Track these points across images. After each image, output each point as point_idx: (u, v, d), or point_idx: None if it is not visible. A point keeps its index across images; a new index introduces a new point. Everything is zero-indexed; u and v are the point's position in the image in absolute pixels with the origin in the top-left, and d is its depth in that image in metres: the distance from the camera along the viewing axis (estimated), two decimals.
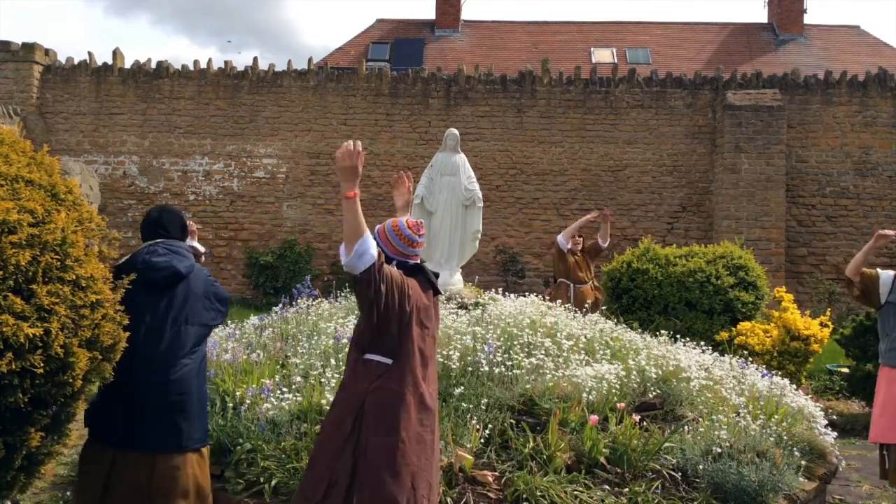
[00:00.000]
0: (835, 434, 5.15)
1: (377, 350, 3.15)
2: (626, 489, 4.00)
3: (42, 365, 2.65)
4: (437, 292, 3.39)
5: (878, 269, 5.32)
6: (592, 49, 21.40)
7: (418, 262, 3.36)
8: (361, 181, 15.35)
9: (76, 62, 16.20)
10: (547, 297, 7.25)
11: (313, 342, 5.27)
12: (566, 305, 7.15)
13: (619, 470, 4.16)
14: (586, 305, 8.11)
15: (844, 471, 5.57)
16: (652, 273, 9.19)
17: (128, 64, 16.32)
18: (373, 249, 2.99)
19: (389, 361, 3.13)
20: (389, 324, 3.09)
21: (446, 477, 3.91)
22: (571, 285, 8.34)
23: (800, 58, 20.27)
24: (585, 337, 5.62)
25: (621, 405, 4.60)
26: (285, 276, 14.88)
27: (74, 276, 2.82)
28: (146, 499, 3.30)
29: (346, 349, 5.12)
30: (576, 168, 15.47)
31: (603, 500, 3.88)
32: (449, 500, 3.76)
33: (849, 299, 13.85)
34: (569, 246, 8.47)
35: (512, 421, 4.43)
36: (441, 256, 6.93)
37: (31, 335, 2.59)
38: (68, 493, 4.39)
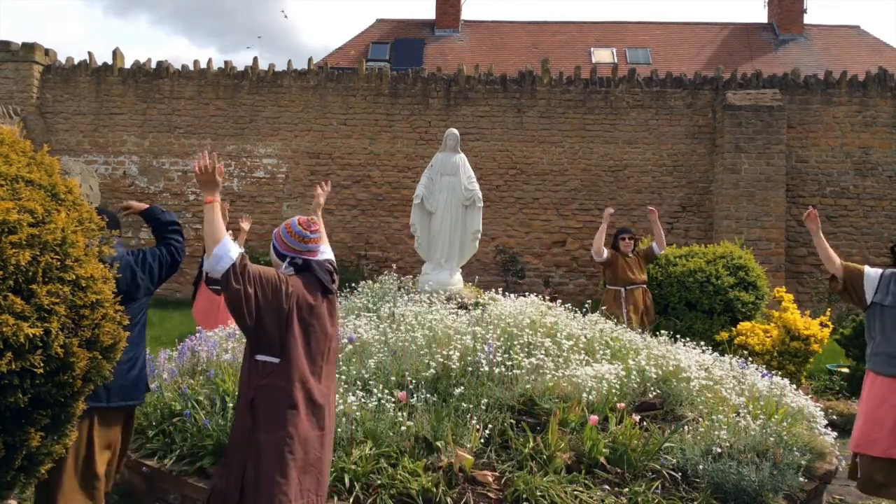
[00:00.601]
0: (835, 434, 5.13)
1: (263, 350, 3.24)
2: (626, 489, 4.00)
3: (42, 365, 2.65)
4: (327, 291, 3.42)
5: (866, 266, 4.87)
6: (592, 49, 21.40)
7: (314, 258, 3.45)
8: (361, 181, 15.17)
9: (76, 62, 16.19)
10: (603, 308, 7.04)
11: None
12: (616, 313, 7.04)
13: (619, 470, 4.16)
14: (641, 309, 7.83)
15: (844, 471, 5.57)
16: (652, 273, 9.17)
17: (128, 64, 16.32)
18: (232, 252, 3.14)
19: (277, 361, 3.22)
20: (266, 322, 3.18)
21: (446, 477, 3.91)
22: (622, 289, 7.92)
23: (800, 58, 20.27)
24: (585, 337, 5.62)
25: (621, 405, 4.60)
26: None
27: (74, 276, 2.82)
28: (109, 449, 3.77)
29: (345, 348, 5.14)
30: (576, 168, 15.46)
31: (603, 500, 3.88)
32: (449, 500, 3.76)
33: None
34: (604, 258, 8.00)
35: (512, 421, 4.43)
36: (441, 256, 6.93)
37: (31, 335, 2.59)
38: None
